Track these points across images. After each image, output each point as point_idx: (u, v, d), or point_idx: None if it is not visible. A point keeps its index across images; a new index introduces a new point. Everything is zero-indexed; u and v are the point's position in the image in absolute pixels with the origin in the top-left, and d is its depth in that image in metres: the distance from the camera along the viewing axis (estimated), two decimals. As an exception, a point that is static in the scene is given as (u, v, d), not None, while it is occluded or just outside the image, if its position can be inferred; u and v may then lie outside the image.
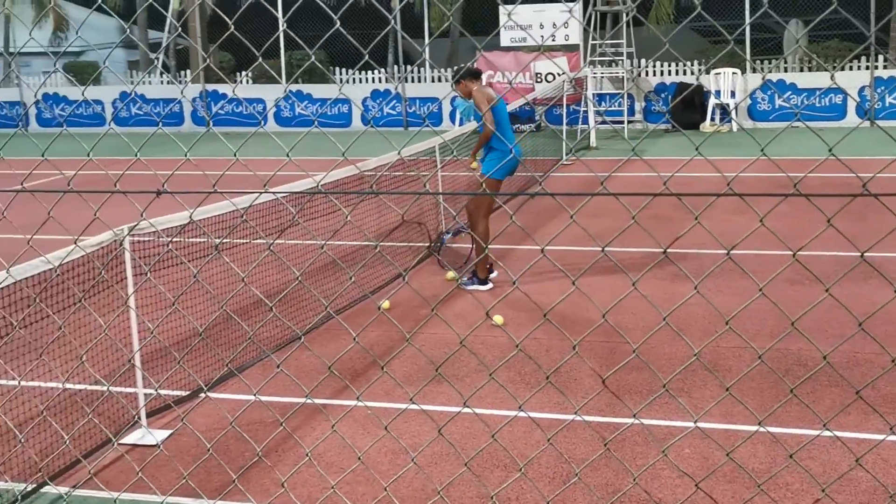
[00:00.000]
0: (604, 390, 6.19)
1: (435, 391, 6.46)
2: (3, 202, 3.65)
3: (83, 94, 3.89)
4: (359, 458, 4.96)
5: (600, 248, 2.85)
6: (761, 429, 5.19)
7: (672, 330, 7.15)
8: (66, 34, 31.70)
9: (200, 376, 6.56)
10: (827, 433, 5.36)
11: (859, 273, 8.15)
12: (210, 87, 25.13)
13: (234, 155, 2.74)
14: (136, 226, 5.42)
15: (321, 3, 3.10)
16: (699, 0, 2.43)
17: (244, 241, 8.44)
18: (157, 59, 27.06)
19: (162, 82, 26.81)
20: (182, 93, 25.16)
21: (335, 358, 6.91)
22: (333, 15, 3.10)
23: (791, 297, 8.07)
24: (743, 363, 6.76)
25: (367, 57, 3.02)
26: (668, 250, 4.35)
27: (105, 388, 6.12)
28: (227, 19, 3.12)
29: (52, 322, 6.07)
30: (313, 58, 2.77)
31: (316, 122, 2.93)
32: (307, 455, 5.15)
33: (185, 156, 2.87)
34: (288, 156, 2.87)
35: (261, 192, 4.88)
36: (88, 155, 3.42)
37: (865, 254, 2.86)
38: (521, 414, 5.63)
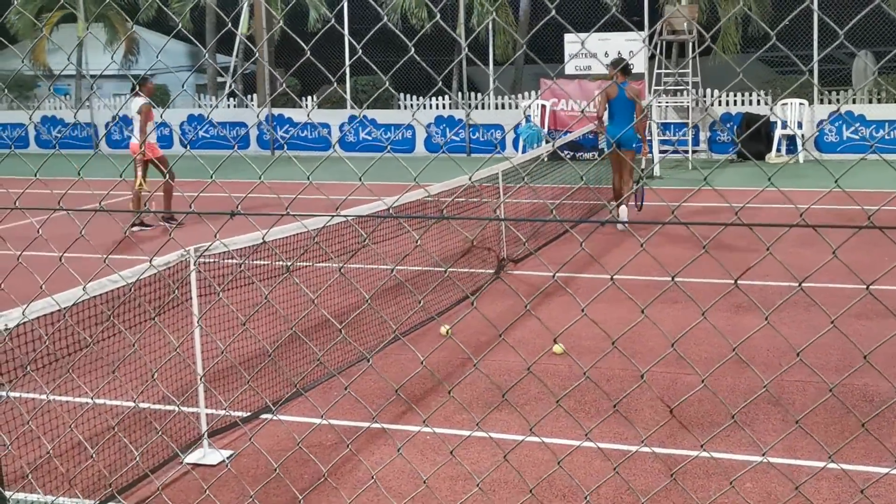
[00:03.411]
0: (664, 421, 6.14)
1: (494, 418, 6.45)
2: (81, 221, 3.73)
3: (161, 117, 3.97)
4: (424, 482, 4.97)
5: (670, 278, 2.83)
6: (831, 464, 5.11)
7: (734, 362, 7.08)
8: (136, 57, 32.24)
9: (261, 397, 6.62)
10: (893, 471, 5.26)
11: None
12: (276, 111, 25.42)
13: (308, 179, 2.78)
14: (207, 247, 5.50)
15: (397, 31, 3.14)
16: (773, 31, 2.43)
17: (307, 263, 8.51)
18: (232, 83, 27.45)
19: (228, 106, 27.18)
20: (258, 116, 25.48)
21: (395, 382, 6.93)
22: (408, 41, 3.14)
23: (857, 332, 7.94)
24: (807, 397, 6.67)
25: (440, 84, 3.05)
26: (732, 281, 4.33)
27: (168, 407, 6.21)
28: (303, 44, 3.17)
29: (118, 340, 6.17)
30: (387, 83, 2.80)
31: (389, 148, 2.97)
32: (373, 478, 5.17)
33: (259, 178, 2.92)
34: (360, 180, 2.90)
35: (332, 216, 4.93)
36: (165, 177, 3.49)
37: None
38: (586, 444, 5.60)
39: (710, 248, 3.16)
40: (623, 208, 13.10)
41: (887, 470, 5.34)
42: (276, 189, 5.27)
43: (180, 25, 2.99)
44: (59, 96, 31.93)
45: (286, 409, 6.71)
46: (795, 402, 6.58)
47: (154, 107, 13.82)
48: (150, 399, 6.48)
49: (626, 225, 12.47)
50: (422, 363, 5.32)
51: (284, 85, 3.15)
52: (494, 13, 24.29)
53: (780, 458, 5.66)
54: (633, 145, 13.57)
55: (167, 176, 12.61)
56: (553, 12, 2.34)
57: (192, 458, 5.83)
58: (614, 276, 2.83)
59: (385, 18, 2.92)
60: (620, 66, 13.73)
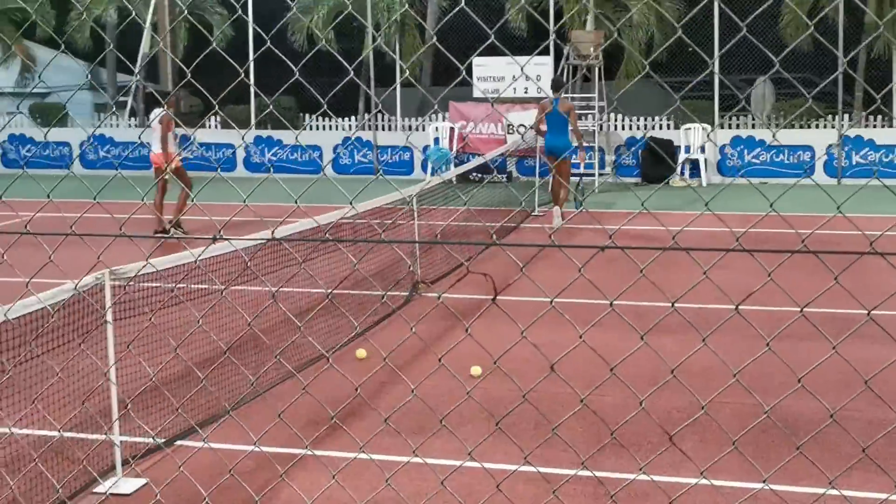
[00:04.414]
0: (586, 443, 6.15)
1: (416, 442, 6.37)
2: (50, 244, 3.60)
3: (45, 137, 3.85)
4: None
5: (589, 300, 2.83)
6: (755, 484, 5.17)
7: (650, 383, 7.11)
8: (32, 74, 31.49)
9: (177, 424, 6.45)
10: (802, 489, 5.34)
11: (836, 329, 8.17)
12: (179, 131, 25.03)
13: (191, 200, 2.70)
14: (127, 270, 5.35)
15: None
16: (715, 58, 2.44)
17: (224, 287, 8.34)
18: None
19: (130, 125, 26.71)
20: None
21: (315, 406, 6.81)
22: (350, 64, 3.07)
23: (767, 352, 8.05)
24: (722, 417, 6.75)
25: (383, 107, 3.00)
26: (648, 304, 4.33)
27: (81, 434, 6.00)
28: (240, 60, 3.09)
29: (30, 367, 5.96)
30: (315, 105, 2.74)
31: (327, 169, 2.91)
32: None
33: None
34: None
35: (268, 240, 4.83)
36: (48, 196, 3.38)
37: (841, 311, 2.86)
38: (512, 467, 5.57)
39: (626, 273, 3.18)
40: (557, 210, 15.25)
41: (812, 490, 5.42)
42: (203, 210, 5.15)
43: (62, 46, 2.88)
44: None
45: (204, 433, 6.55)
46: (712, 424, 6.64)
47: (177, 123, 15.21)
48: (63, 426, 6.26)
49: (557, 229, 15.06)
50: (356, 390, 5.23)
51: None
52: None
53: (701, 479, 5.71)
54: (568, 154, 15.75)
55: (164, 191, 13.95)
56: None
57: (106, 487, 5.64)
58: (553, 301, 2.80)
59: (373, 47, 2.86)
60: (555, 84, 15.82)
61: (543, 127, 15.61)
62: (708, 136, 20.82)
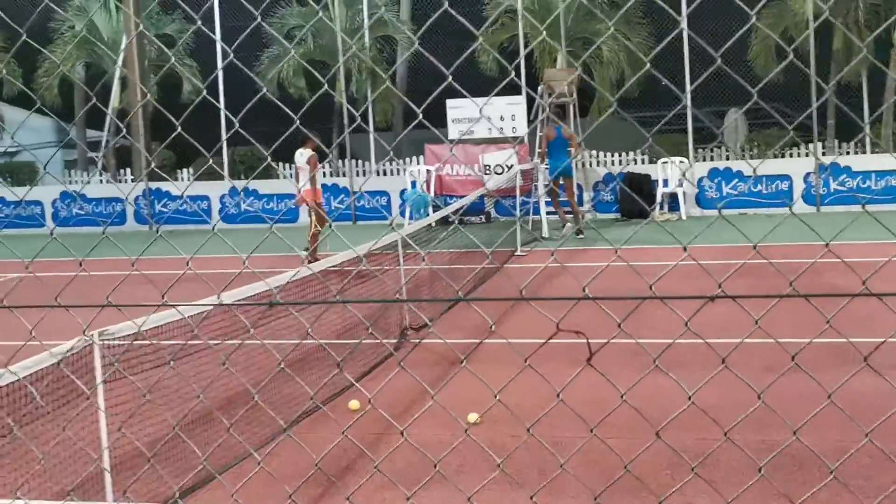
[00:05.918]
0: (593, 487, 5.99)
1: (418, 494, 6.19)
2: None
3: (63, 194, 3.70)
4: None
5: (585, 340, 2.69)
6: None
7: (652, 425, 6.96)
8: (1, 133, 31.28)
9: (167, 486, 6.23)
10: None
11: (837, 360, 8.06)
12: (153, 185, 24.88)
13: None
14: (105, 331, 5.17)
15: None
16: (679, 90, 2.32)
17: (217, 342, 8.15)
18: (102, 157, 26.78)
19: (101, 181, 26.52)
20: (126, 197, 24.85)
21: (309, 462, 6.62)
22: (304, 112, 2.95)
23: (772, 388, 7.93)
24: (732, 456, 6.61)
25: (357, 153, 2.87)
26: (640, 340, 4.23)
27: (72, 503, 5.78)
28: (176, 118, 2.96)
29: (16, 436, 5.75)
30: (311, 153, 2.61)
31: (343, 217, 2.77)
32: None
33: (187, 254, 2.68)
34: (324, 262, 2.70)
35: (269, 304, 4.67)
36: (79, 259, 3.23)
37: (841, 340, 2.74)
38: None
39: (615, 309, 3.05)
40: (569, 225, 18.51)
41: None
42: (159, 265, 5.00)
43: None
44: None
45: (197, 497, 6.34)
46: (721, 462, 6.50)
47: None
48: (52, 496, 6.04)
49: (578, 234, 18.12)
50: (343, 434, 5.06)
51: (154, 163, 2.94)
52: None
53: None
54: (572, 174, 18.75)
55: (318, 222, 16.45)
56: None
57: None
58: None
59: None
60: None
61: (544, 160, 18.60)
62: (684, 174, 20.88)
